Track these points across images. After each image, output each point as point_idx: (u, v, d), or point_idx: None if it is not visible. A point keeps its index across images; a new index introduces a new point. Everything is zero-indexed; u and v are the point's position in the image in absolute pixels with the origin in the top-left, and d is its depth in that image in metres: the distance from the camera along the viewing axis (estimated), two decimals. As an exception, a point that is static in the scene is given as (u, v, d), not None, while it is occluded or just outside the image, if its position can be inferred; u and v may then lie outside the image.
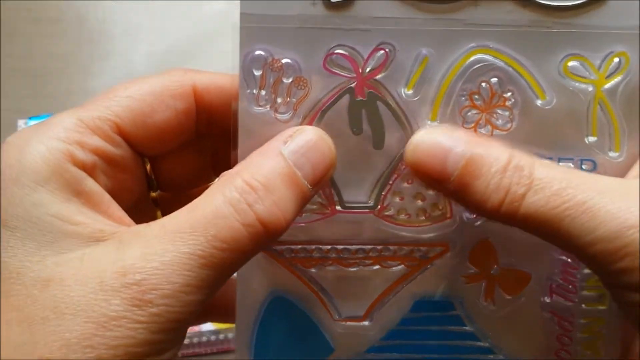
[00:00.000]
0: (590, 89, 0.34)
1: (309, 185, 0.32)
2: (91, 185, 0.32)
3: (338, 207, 0.36)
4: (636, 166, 0.34)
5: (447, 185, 0.33)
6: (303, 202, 0.33)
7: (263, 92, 0.34)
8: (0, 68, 0.77)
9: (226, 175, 0.32)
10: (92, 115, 0.33)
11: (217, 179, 0.40)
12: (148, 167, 0.38)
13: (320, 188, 0.34)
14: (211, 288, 0.29)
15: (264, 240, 0.30)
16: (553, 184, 0.31)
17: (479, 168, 0.32)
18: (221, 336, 0.68)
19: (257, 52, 0.34)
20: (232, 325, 0.67)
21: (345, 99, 0.34)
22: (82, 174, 0.32)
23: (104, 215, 0.32)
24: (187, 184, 0.40)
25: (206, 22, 0.80)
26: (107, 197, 0.32)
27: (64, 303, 0.28)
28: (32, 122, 0.72)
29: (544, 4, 0.33)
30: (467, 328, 0.37)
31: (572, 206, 0.30)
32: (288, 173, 0.32)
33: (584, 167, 0.35)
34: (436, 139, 0.33)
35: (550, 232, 0.31)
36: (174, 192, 0.40)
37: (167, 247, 0.29)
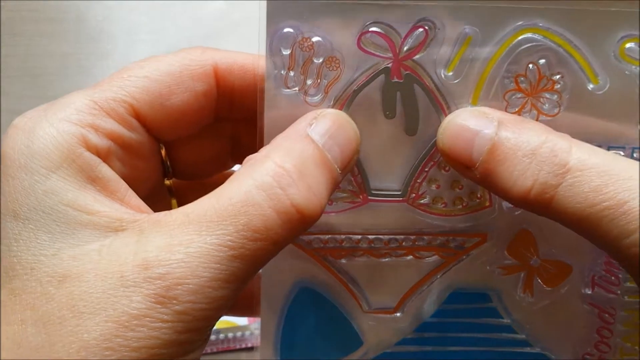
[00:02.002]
0: (648, 73, 0.31)
1: (338, 169, 0.30)
2: (106, 171, 0.29)
3: (370, 197, 0.33)
4: None
5: (474, 171, 0.30)
6: (334, 187, 0.30)
7: (292, 73, 0.32)
8: (0, 68, 0.76)
9: (253, 159, 0.29)
10: (107, 96, 0.31)
11: (236, 165, 0.38)
12: (163, 152, 0.35)
13: (348, 172, 0.32)
14: (240, 282, 0.27)
15: (298, 228, 0.28)
16: (592, 178, 0.28)
17: (505, 152, 0.29)
18: (221, 336, 0.67)
19: (286, 30, 0.31)
20: (233, 325, 0.67)
21: (380, 80, 0.32)
22: (97, 160, 0.29)
23: (121, 203, 0.29)
24: (203, 171, 0.37)
25: (206, 22, 0.79)
26: (123, 185, 0.30)
27: (82, 301, 0.26)
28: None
29: (600, -22, 0.30)
30: (503, 320, 0.36)
31: (611, 206, 0.27)
32: (319, 156, 0.29)
33: (634, 155, 0.33)
34: (464, 121, 0.31)
35: (585, 229, 0.28)
36: (189, 180, 0.38)
37: (192, 238, 0.26)
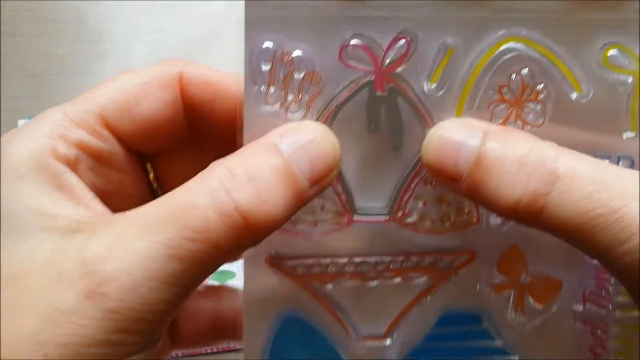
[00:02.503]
0: (630, 80, 0.31)
1: (306, 182, 0.29)
2: (72, 179, 0.30)
3: (355, 217, 0.32)
4: None
5: (461, 184, 0.29)
6: (299, 201, 0.29)
7: (272, 89, 0.30)
8: (0, 68, 0.75)
9: (211, 165, 0.29)
10: (77, 108, 0.32)
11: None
12: (151, 175, 0.35)
13: (322, 189, 0.30)
14: (182, 285, 0.26)
15: (244, 235, 0.27)
16: (584, 185, 0.27)
17: (492, 163, 0.29)
18: (221, 336, 0.65)
19: (265, 45, 0.30)
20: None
21: (364, 94, 0.31)
22: (64, 168, 0.30)
23: (85, 208, 0.29)
24: None
25: (206, 22, 0.79)
26: (89, 193, 0.30)
27: (22, 298, 0.26)
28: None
29: (579, -13, 0.30)
30: (496, 343, 0.34)
31: (603, 213, 0.27)
32: (281, 166, 0.28)
33: (620, 164, 0.32)
34: (449, 133, 0.30)
35: (577, 238, 0.28)
36: None
37: (135, 235, 0.26)
